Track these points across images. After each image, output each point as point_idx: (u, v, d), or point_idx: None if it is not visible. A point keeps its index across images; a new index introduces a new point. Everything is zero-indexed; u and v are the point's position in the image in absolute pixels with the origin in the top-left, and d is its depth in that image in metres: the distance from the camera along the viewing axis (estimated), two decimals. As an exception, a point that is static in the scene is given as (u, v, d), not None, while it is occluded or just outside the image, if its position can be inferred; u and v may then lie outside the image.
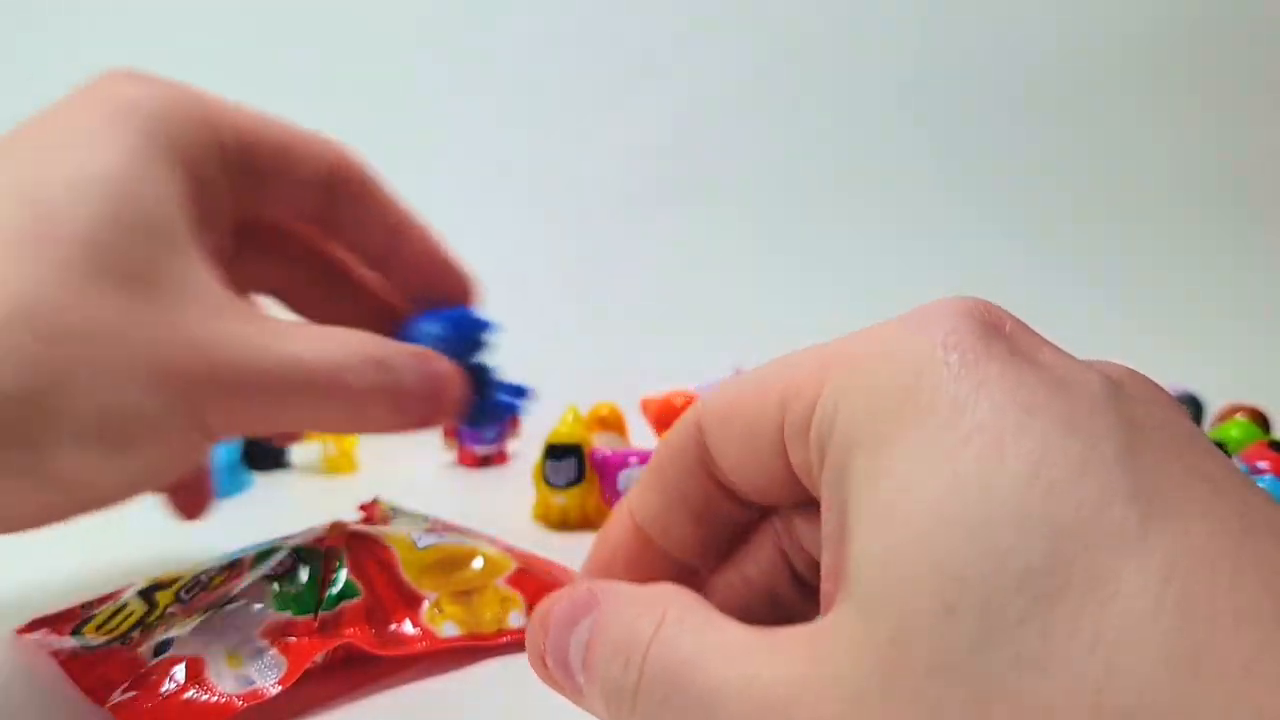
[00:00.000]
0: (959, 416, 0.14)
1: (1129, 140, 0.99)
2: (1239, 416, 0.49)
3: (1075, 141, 0.99)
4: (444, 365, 0.27)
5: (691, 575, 0.20)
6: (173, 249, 0.23)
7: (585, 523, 0.40)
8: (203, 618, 0.25)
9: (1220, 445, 0.44)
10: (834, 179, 0.93)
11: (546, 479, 0.40)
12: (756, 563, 0.20)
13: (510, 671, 0.27)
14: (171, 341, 0.22)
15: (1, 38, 0.85)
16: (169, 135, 0.24)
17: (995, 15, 0.99)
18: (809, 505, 0.18)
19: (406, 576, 0.28)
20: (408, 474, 0.49)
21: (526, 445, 0.51)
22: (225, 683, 0.24)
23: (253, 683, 0.24)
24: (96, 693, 0.24)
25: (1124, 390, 0.15)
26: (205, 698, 0.23)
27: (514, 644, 0.28)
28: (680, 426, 0.19)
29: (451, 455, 0.51)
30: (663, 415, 0.48)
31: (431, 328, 0.29)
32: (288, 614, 0.26)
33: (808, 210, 0.92)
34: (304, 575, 0.27)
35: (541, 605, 0.19)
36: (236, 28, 0.88)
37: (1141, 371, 0.16)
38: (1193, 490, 0.14)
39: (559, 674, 0.18)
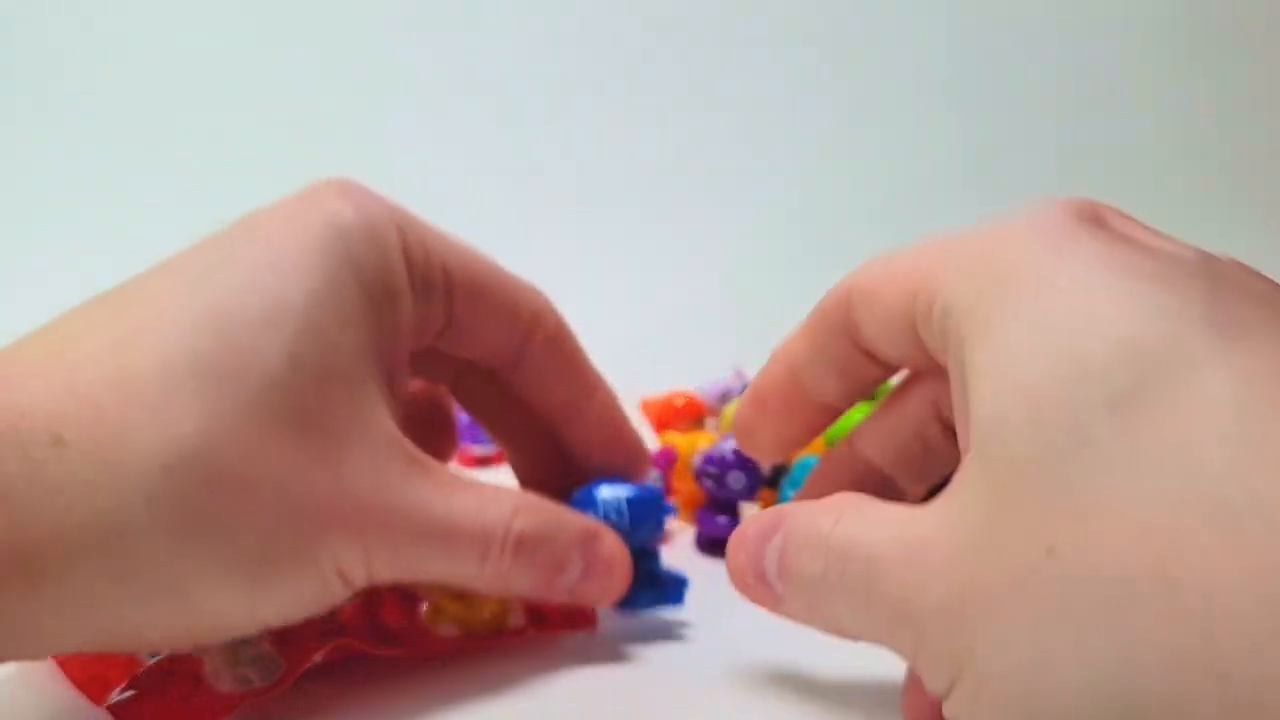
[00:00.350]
0: (1050, 282, 0.16)
1: (1125, 138, 0.99)
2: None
3: (1071, 137, 0.99)
4: (613, 546, 0.27)
5: (836, 416, 0.24)
6: (351, 393, 0.23)
7: (585, 523, 0.40)
8: None
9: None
10: (838, 178, 0.93)
11: (546, 479, 0.40)
12: (910, 409, 0.24)
13: (509, 671, 0.27)
14: (331, 488, 0.22)
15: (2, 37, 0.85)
16: (372, 266, 0.23)
17: (999, 13, 0.99)
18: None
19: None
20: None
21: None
22: (224, 683, 0.24)
23: (251, 683, 0.24)
24: (93, 692, 0.24)
25: (1218, 262, 0.17)
26: (204, 698, 0.23)
27: (512, 643, 0.28)
28: (833, 292, 0.22)
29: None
30: (663, 416, 0.48)
31: (612, 499, 0.28)
32: None
33: (810, 210, 0.92)
34: None
35: (737, 532, 0.22)
36: (240, 27, 0.88)
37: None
38: (1263, 310, 0.15)
39: (759, 587, 0.21)
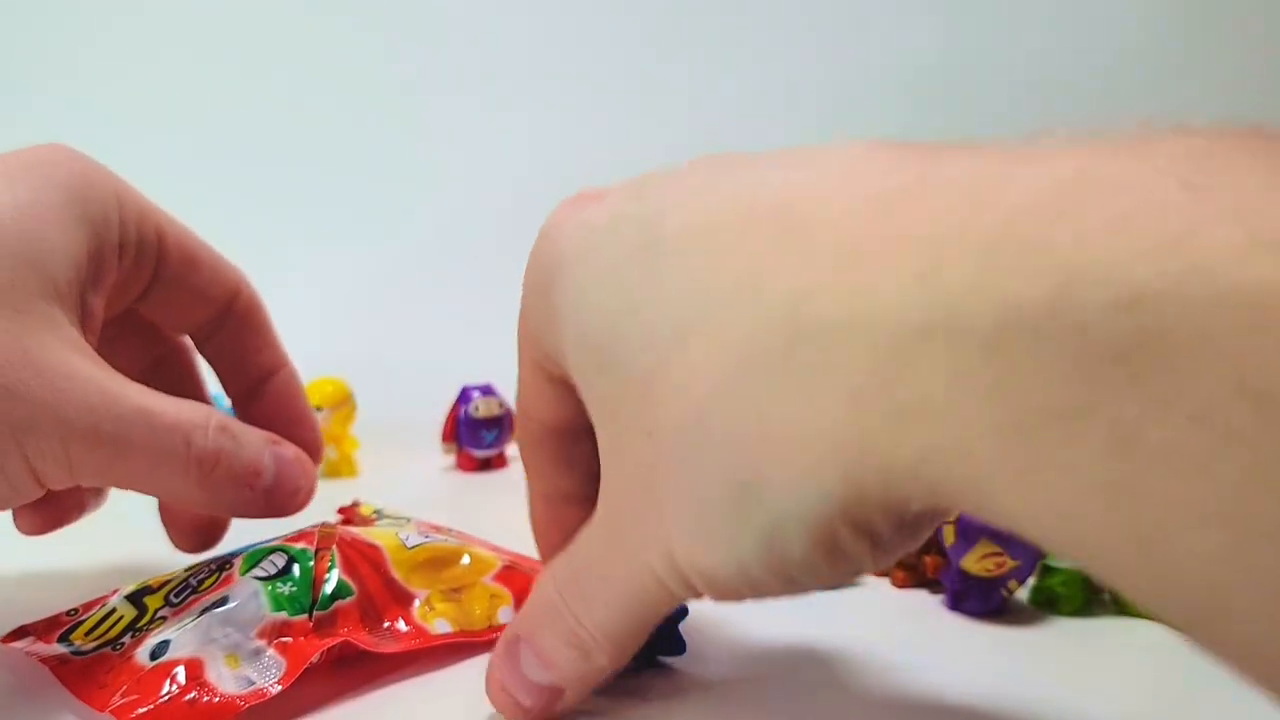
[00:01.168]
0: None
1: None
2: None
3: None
4: (294, 448, 0.28)
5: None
6: (51, 289, 0.24)
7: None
8: (195, 620, 0.25)
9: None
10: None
11: (545, 482, 0.40)
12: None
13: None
14: (17, 364, 0.22)
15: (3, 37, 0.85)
16: (84, 201, 0.26)
17: (1002, 18, 0.99)
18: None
19: (397, 575, 0.28)
20: (408, 478, 0.49)
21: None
22: (226, 684, 0.24)
23: (253, 683, 0.24)
24: (94, 698, 0.24)
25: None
26: (207, 699, 0.23)
27: None
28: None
29: (451, 459, 0.51)
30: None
31: None
32: (283, 614, 0.26)
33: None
34: (297, 575, 0.27)
35: (488, 675, 0.24)
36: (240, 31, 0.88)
37: None
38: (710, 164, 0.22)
39: (530, 696, 0.23)
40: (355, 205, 0.86)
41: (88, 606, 0.28)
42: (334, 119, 0.88)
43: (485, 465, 0.51)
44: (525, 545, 0.39)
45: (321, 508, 0.36)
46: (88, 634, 0.26)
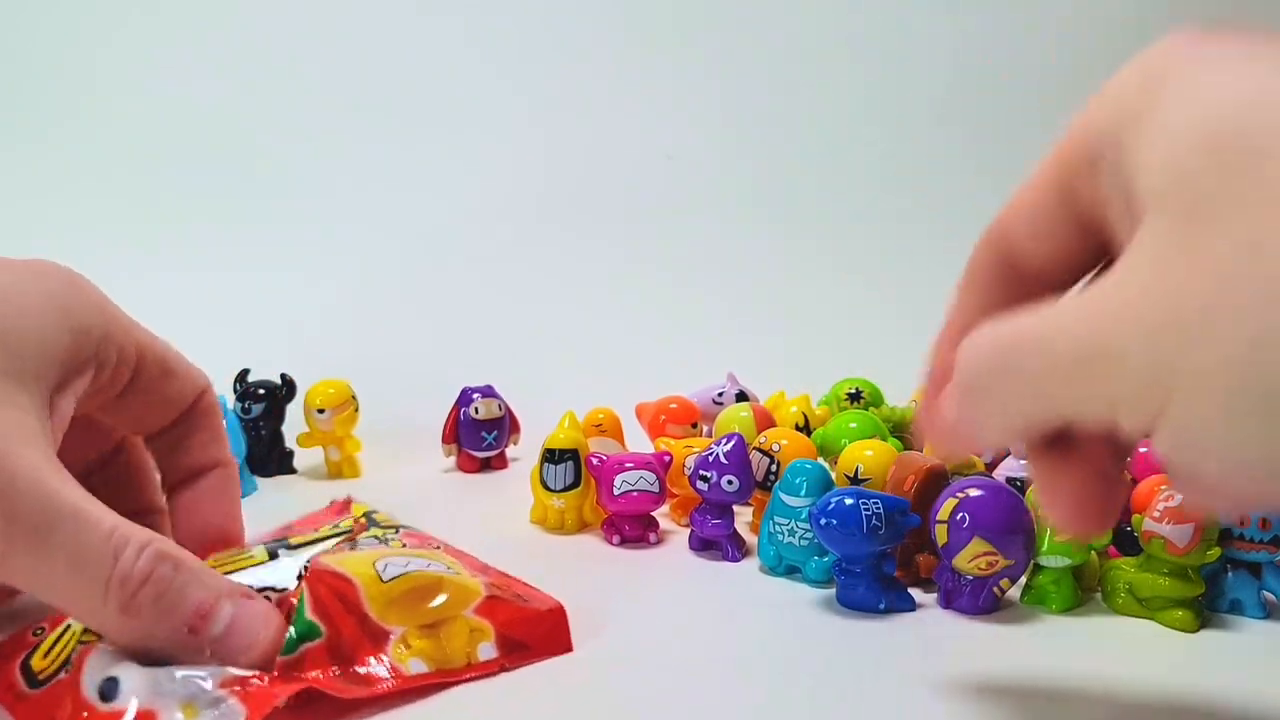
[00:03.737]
0: (1196, 66, 0.18)
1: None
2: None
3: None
4: (264, 606, 0.26)
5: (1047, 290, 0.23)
6: (20, 374, 0.25)
7: (582, 526, 0.41)
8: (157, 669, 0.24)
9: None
10: (829, 190, 0.94)
11: (544, 483, 0.41)
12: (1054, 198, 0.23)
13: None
14: None
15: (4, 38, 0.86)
16: (69, 310, 0.27)
17: (1009, 20, 0.99)
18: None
19: (371, 611, 0.27)
20: (409, 479, 0.49)
21: (525, 450, 0.52)
22: None
23: None
24: None
25: None
26: None
27: (481, 676, 0.27)
28: (976, 251, 0.24)
29: (452, 460, 0.52)
30: (657, 421, 0.49)
31: (871, 502, 0.33)
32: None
33: (801, 221, 0.92)
34: None
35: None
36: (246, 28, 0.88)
37: None
38: None
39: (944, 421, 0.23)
40: (357, 207, 0.86)
41: (54, 622, 0.27)
42: (336, 120, 0.88)
43: (485, 466, 0.51)
44: (525, 545, 0.40)
45: (318, 505, 0.36)
46: (46, 654, 0.26)
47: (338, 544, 0.30)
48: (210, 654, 0.24)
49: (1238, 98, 0.17)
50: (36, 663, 0.26)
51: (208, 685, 0.24)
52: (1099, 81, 0.21)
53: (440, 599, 0.28)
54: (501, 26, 0.92)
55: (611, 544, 0.39)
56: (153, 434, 0.32)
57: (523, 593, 0.31)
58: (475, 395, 0.51)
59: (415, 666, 0.26)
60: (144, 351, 0.29)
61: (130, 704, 0.23)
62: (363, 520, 0.33)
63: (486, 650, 0.28)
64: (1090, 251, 0.22)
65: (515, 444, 0.53)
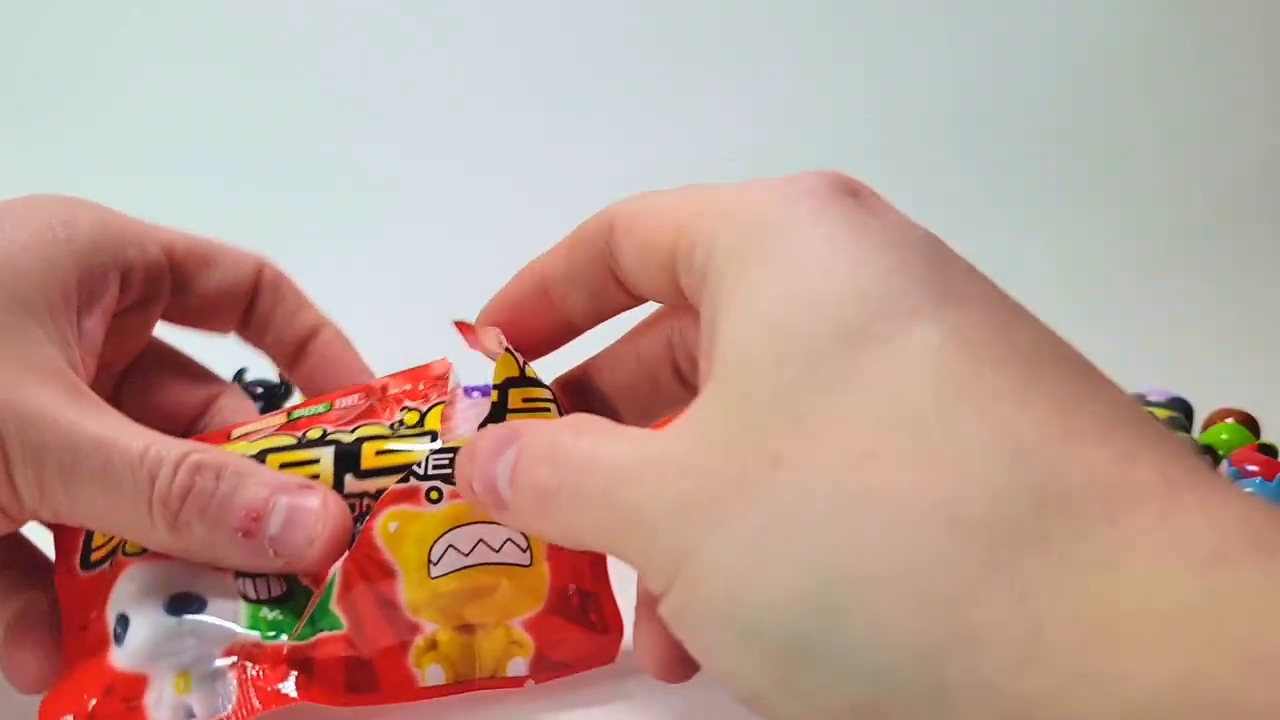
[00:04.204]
0: (800, 235, 0.18)
1: (1123, 143, 1.00)
2: (1228, 420, 0.50)
3: (1068, 143, 1.00)
4: (320, 499, 0.24)
5: (576, 335, 0.25)
6: (22, 310, 0.24)
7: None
8: (171, 616, 0.23)
9: (1210, 449, 0.45)
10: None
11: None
12: (646, 344, 0.25)
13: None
14: None
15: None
16: (68, 237, 0.26)
17: (1007, 35, 0.99)
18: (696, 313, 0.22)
19: (405, 605, 0.24)
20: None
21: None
22: (161, 712, 0.22)
23: (192, 715, 0.23)
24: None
25: (941, 242, 0.19)
26: None
27: (505, 691, 0.26)
28: (595, 218, 0.23)
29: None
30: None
31: None
32: (256, 635, 0.24)
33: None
34: (291, 603, 0.24)
35: (469, 447, 0.22)
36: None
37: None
38: (976, 288, 0.18)
39: (486, 495, 0.21)
40: (354, 207, 0.86)
41: None
42: (336, 122, 0.88)
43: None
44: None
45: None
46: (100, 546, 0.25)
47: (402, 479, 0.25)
48: (274, 553, 0.24)
49: (813, 292, 0.17)
50: (96, 539, 0.25)
51: (214, 651, 0.23)
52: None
53: (489, 602, 0.25)
54: (499, 31, 0.92)
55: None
56: (236, 326, 0.32)
57: (591, 593, 0.26)
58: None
59: (433, 675, 0.24)
60: (173, 249, 0.29)
61: (127, 664, 0.23)
62: (451, 394, 0.28)
63: (517, 666, 0.25)
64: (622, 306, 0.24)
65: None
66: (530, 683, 0.25)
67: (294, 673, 0.24)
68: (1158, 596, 0.14)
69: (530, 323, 0.25)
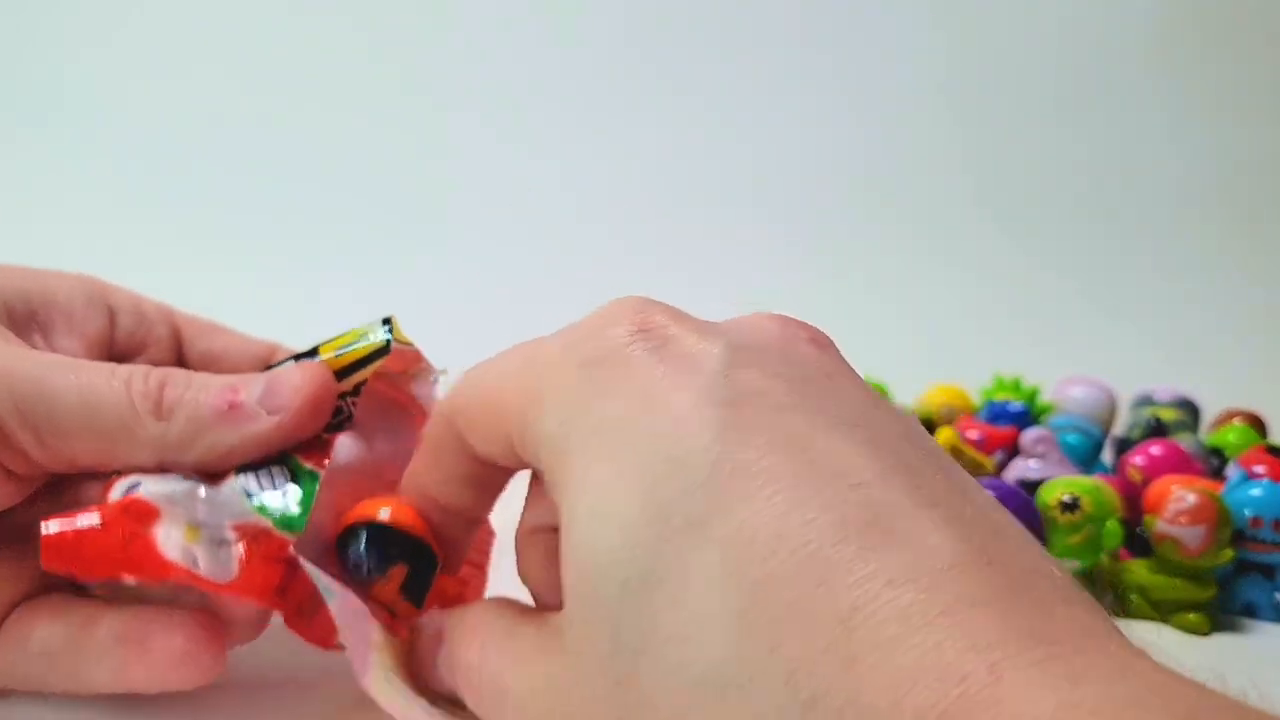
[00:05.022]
0: (597, 461, 0.18)
1: (1127, 144, 0.99)
2: (1236, 421, 0.49)
3: (1073, 145, 0.99)
4: (288, 367, 0.25)
5: (478, 524, 0.25)
6: None
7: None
8: (179, 481, 0.23)
9: (1218, 450, 0.44)
10: (834, 192, 0.93)
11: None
12: (544, 507, 0.23)
13: None
14: None
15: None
16: (88, 288, 0.27)
17: (1003, 21, 0.99)
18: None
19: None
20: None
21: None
22: (170, 548, 0.22)
23: (196, 565, 0.22)
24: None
25: (740, 358, 0.18)
26: (140, 548, 0.21)
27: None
28: (435, 418, 0.23)
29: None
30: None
31: None
32: (268, 522, 0.23)
33: (803, 221, 0.92)
34: (299, 496, 0.24)
35: (421, 625, 0.23)
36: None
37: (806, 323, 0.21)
38: (771, 460, 0.16)
39: (438, 673, 0.22)
40: (353, 213, 0.86)
41: None
42: (340, 130, 0.88)
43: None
44: (508, 556, 0.39)
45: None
46: None
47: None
48: (265, 412, 0.23)
49: (601, 534, 0.17)
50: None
51: (224, 522, 0.23)
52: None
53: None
54: (500, 40, 0.92)
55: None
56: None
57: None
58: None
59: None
60: (181, 330, 0.29)
61: (142, 494, 0.22)
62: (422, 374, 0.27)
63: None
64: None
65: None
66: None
67: (288, 580, 0.23)
68: None
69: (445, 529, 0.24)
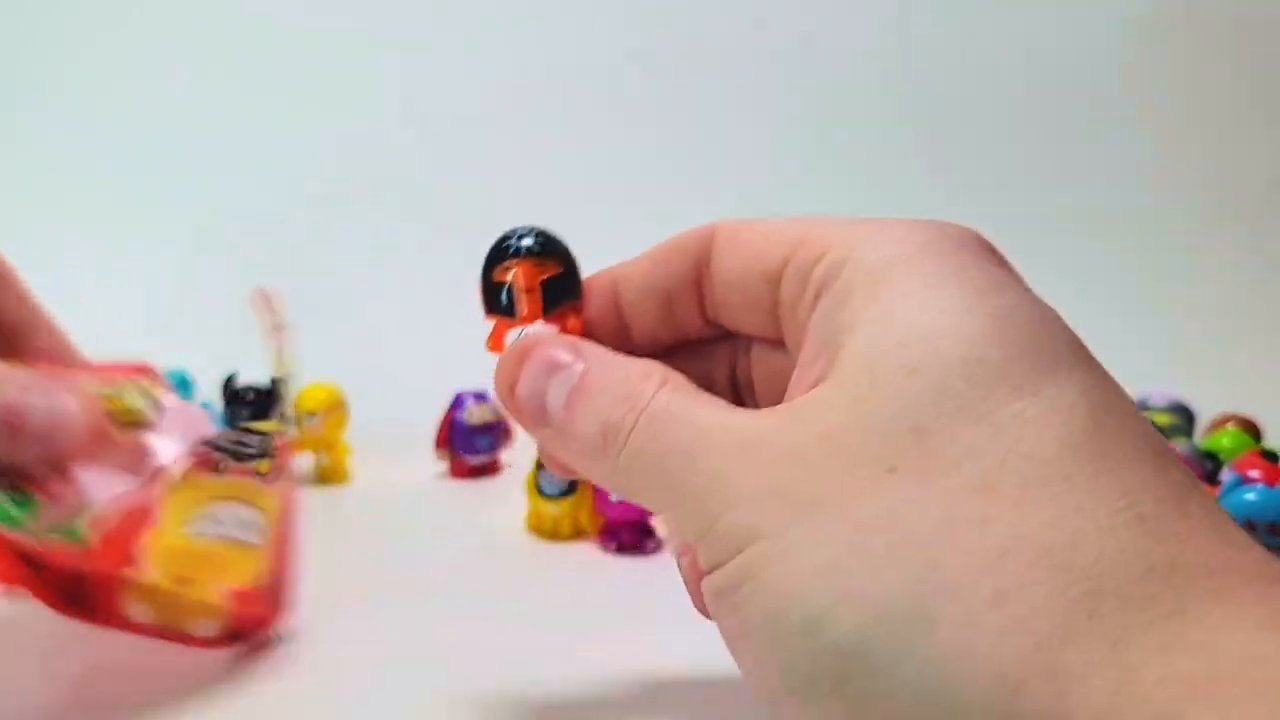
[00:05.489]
0: (951, 277, 0.18)
1: (1119, 148, 1.00)
2: (1230, 426, 0.49)
3: (1065, 149, 0.99)
4: (64, 393, 0.24)
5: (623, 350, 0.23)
6: None
7: (577, 533, 0.40)
8: None
9: (1212, 454, 0.44)
10: (835, 191, 0.94)
11: (539, 488, 0.40)
12: (703, 356, 0.24)
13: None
14: None
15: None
16: None
17: (983, 19, 0.99)
18: (769, 339, 0.22)
19: (147, 544, 0.25)
20: (400, 483, 0.49)
21: (519, 455, 0.51)
22: None
23: None
24: None
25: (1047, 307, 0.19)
26: None
27: (202, 648, 0.27)
28: (695, 229, 0.23)
29: (444, 466, 0.51)
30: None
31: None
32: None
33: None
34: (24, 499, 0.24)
35: (519, 344, 0.21)
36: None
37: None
38: (1092, 359, 0.18)
39: (530, 408, 0.21)
40: (349, 212, 0.86)
41: None
42: (333, 128, 0.87)
43: (478, 472, 0.50)
44: (516, 557, 0.39)
45: (322, 516, 0.35)
46: None
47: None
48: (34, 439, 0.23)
49: (947, 333, 0.18)
50: None
51: None
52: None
53: (211, 565, 0.27)
54: (500, 41, 0.92)
55: (608, 552, 0.39)
56: None
57: (285, 578, 0.29)
58: (469, 399, 0.50)
59: (139, 613, 0.26)
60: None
61: None
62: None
63: (207, 628, 0.27)
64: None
65: (509, 448, 0.52)
66: (219, 644, 0.27)
67: (32, 564, 0.24)
68: (1256, 666, 0.14)
69: (599, 326, 0.24)
